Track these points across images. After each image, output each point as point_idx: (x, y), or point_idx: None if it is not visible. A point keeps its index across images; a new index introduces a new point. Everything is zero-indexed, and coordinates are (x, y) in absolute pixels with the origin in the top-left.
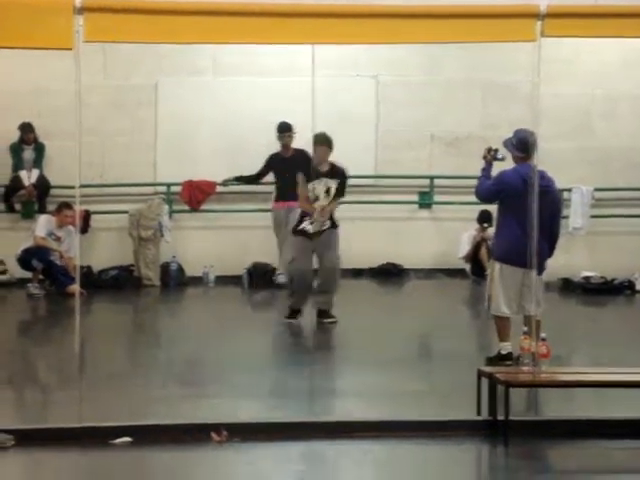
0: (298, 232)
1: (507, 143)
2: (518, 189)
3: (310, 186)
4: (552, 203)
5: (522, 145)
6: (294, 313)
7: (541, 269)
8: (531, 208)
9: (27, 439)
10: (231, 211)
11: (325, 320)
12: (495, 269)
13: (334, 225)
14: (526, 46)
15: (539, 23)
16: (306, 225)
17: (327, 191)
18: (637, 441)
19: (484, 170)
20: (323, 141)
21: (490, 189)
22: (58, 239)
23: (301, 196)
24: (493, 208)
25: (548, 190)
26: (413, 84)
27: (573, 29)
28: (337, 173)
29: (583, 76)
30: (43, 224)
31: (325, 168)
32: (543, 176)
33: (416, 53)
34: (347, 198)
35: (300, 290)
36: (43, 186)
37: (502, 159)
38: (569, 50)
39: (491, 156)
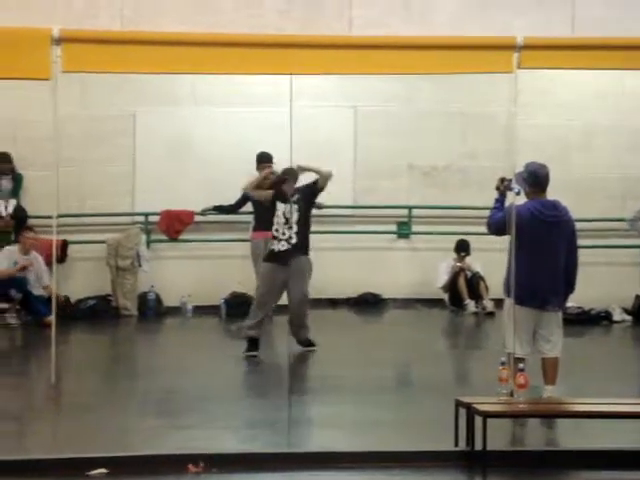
0: (268, 257)
1: (518, 177)
2: (528, 224)
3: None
4: (566, 234)
5: (533, 179)
6: (253, 345)
7: (558, 305)
8: (539, 244)
9: (2, 471)
10: (209, 241)
11: (306, 348)
12: (506, 306)
13: (306, 252)
14: (503, 77)
15: (516, 55)
16: (275, 245)
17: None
18: (615, 472)
19: (497, 201)
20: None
21: (501, 221)
22: (24, 269)
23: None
24: (471, 238)
25: (561, 220)
26: (391, 114)
27: (549, 61)
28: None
29: (560, 107)
30: (3, 257)
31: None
32: (556, 206)
33: (395, 83)
34: (325, 228)
35: (258, 317)
36: (20, 216)
37: (517, 193)
38: (546, 81)
39: (504, 187)
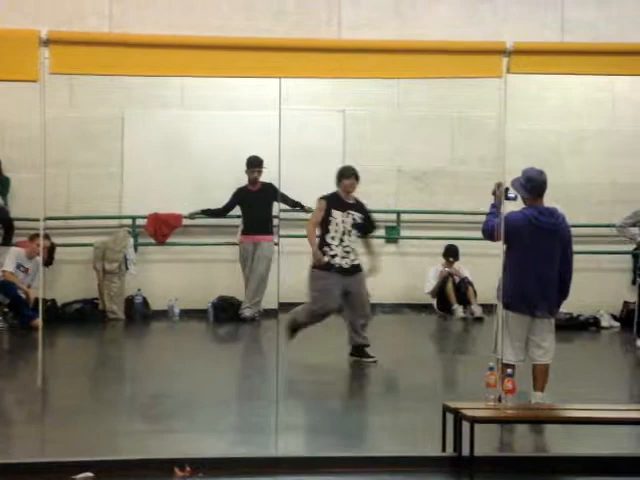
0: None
1: (515, 183)
2: (524, 231)
3: (337, 218)
4: (562, 242)
5: (530, 185)
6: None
7: (549, 312)
8: (534, 251)
9: None
10: (197, 244)
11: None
12: (500, 313)
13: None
14: (493, 82)
15: (505, 60)
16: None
17: (354, 225)
18: (603, 477)
19: (492, 206)
20: (352, 173)
21: (496, 227)
22: (26, 271)
23: (313, 222)
24: (460, 243)
25: (558, 228)
26: (380, 118)
27: (539, 66)
28: (362, 207)
29: (550, 112)
30: (12, 258)
31: (351, 200)
32: (553, 213)
33: (383, 87)
34: None
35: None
36: (2, 218)
37: (514, 198)
38: (536, 86)
39: (500, 192)
